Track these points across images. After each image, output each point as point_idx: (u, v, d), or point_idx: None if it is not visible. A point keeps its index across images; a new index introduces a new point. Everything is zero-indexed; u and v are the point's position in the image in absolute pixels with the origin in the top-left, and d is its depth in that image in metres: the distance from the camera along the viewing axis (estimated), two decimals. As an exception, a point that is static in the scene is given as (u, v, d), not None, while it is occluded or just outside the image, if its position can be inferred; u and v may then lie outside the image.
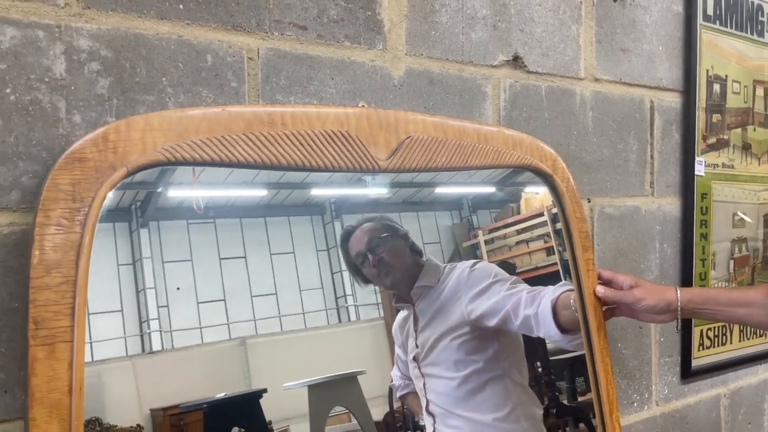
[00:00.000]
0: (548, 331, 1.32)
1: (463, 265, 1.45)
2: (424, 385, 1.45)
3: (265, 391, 1.75)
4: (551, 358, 2.14)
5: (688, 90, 1.71)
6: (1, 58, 0.81)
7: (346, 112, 1.05)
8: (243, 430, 1.90)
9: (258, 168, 0.97)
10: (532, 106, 1.39)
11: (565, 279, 1.89)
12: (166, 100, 0.94)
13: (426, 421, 1.48)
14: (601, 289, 1.31)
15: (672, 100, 1.69)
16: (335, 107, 1.08)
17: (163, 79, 0.93)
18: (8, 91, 0.81)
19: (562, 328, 1.30)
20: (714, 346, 1.80)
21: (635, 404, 1.61)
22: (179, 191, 1.55)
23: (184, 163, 0.89)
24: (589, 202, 1.51)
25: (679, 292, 1.24)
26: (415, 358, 1.46)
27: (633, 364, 1.60)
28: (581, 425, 2.13)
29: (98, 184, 0.81)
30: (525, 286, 1.40)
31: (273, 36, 1.04)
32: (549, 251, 1.67)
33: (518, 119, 1.37)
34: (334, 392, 1.68)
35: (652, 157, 1.64)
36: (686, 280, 1.72)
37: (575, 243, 1.36)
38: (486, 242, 1.73)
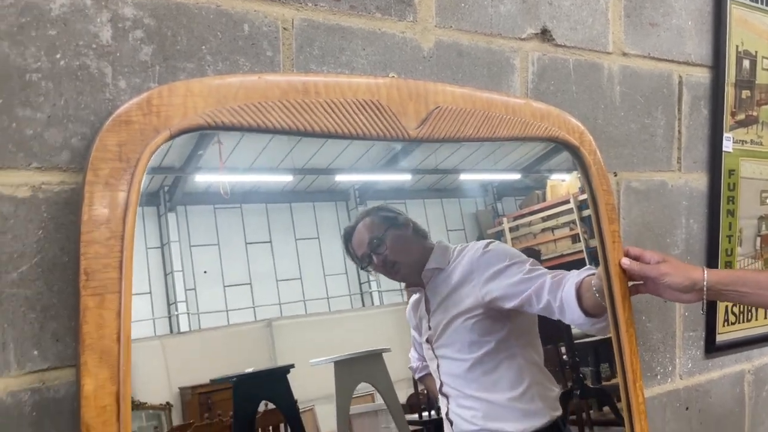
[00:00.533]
0: (572, 314, 1.33)
1: (476, 246, 1.44)
2: (437, 366, 1.45)
3: (292, 366, 1.79)
4: (576, 342, 2.15)
5: (717, 65, 1.71)
6: (52, 24, 0.85)
7: (377, 82, 1.08)
8: (271, 404, 1.95)
9: (293, 134, 1.00)
10: (560, 80, 1.41)
11: (590, 266, 1.89)
12: (205, 67, 0.97)
13: (440, 402, 1.48)
14: (626, 261, 1.32)
15: (701, 75, 1.69)
16: (366, 77, 1.10)
17: (203, 47, 0.97)
18: (58, 56, 0.85)
19: (587, 312, 1.31)
20: (739, 322, 1.81)
21: (659, 377, 1.63)
22: (206, 176, 1.59)
23: (224, 127, 0.93)
24: (615, 176, 1.52)
25: (706, 272, 1.23)
26: (428, 340, 1.46)
27: (657, 338, 1.62)
28: (605, 408, 2.14)
29: (143, 145, 0.85)
30: (545, 269, 1.40)
31: (307, 7, 1.07)
32: (574, 239, 1.67)
33: (546, 92, 1.39)
34: (359, 369, 1.71)
35: (679, 132, 1.65)
36: (712, 256, 1.72)
37: (601, 215, 1.38)
38: (511, 229, 1.73)
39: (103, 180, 0.82)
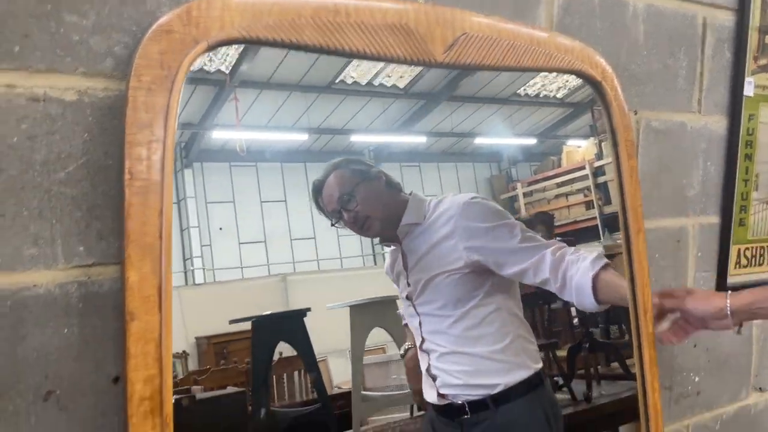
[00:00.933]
0: (583, 301, 1.32)
1: (456, 200, 1.39)
2: (419, 324, 1.42)
3: (309, 309, 1.84)
4: None
5: (742, 9, 1.70)
6: (97, -66, 0.88)
7: (406, 6, 1.10)
8: (286, 353, 2.00)
9: (324, 53, 1.03)
10: (585, 15, 1.42)
11: (603, 233, 1.87)
12: (240, -16, 1.00)
13: (421, 357, 1.45)
14: (656, 300, 1.32)
15: (725, 18, 1.69)
16: (395, 1, 1.12)
17: (239, -36, 0.99)
18: (103, -35, 0.88)
19: (599, 301, 1.31)
20: (751, 266, 1.84)
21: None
22: (222, 133, 1.61)
23: (258, 42, 0.96)
24: (636, 114, 1.54)
25: (728, 297, 1.25)
26: (408, 297, 1.43)
27: (669, 276, 1.65)
28: (613, 364, 2.18)
29: (183, 54, 0.89)
30: (538, 237, 1.37)
31: (339, -71, 1.08)
32: (588, 205, 1.68)
33: (570, 26, 1.40)
34: (373, 313, 1.75)
35: (701, 74, 1.65)
36: (727, 200, 1.75)
37: (620, 150, 1.40)
38: (525, 195, 1.75)
39: (146, 86, 0.86)
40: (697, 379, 1.73)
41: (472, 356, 1.39)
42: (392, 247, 1.47)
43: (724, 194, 1.74)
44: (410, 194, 1.43)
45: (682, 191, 1.65)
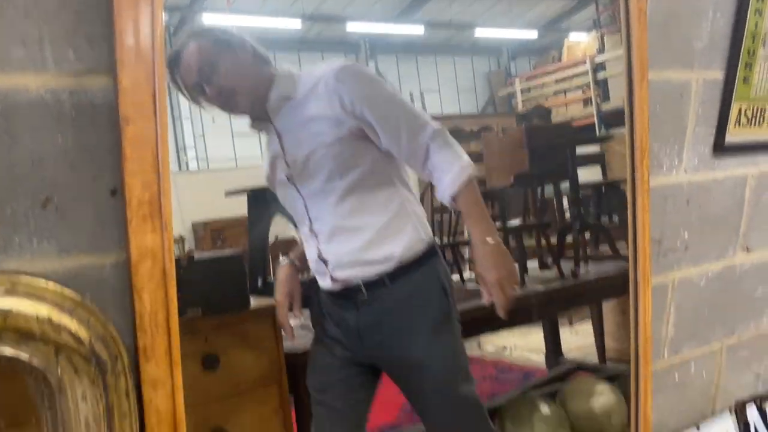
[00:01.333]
0: (443, 200, 1.30)
1: (330, 67, 1.29)
2: (305, 205, 1.35)
3: None
4: (582, 183, 2.18)
5: None
6: None
7: None
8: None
9: None
10: None
11: (599, 130, 1.81)
12: None
13: (308, 243, 1.38)
14: None
15: None
16: None
17: None
18: None
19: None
20: (751, 126, 1.83)
21: (664, 168, 1.67)
22: (213, 17, 1.50)
23: None
24: (647, -44, 1.47)
25: None
26: (288, 179, 1.35)
27: (668, 129, 1.64)
28: (602, 249, 2.21)
29: None
30: (418, 115, 1.29)
31: None
32: (586, 103, 1.63)
33: None
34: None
35: None
36: (734, 54, 1.70)
37: (630, -9, 1.35)
38: (522, 91, 1.70)
39: None
40: (686, 234, 1.76)
41: (363, 229, 1.32)
42: (267, 135, 1.38)
43: (731, 49, 1.70)
44: (279, 68, 1.33)
45: (689, 43, 1.61)
